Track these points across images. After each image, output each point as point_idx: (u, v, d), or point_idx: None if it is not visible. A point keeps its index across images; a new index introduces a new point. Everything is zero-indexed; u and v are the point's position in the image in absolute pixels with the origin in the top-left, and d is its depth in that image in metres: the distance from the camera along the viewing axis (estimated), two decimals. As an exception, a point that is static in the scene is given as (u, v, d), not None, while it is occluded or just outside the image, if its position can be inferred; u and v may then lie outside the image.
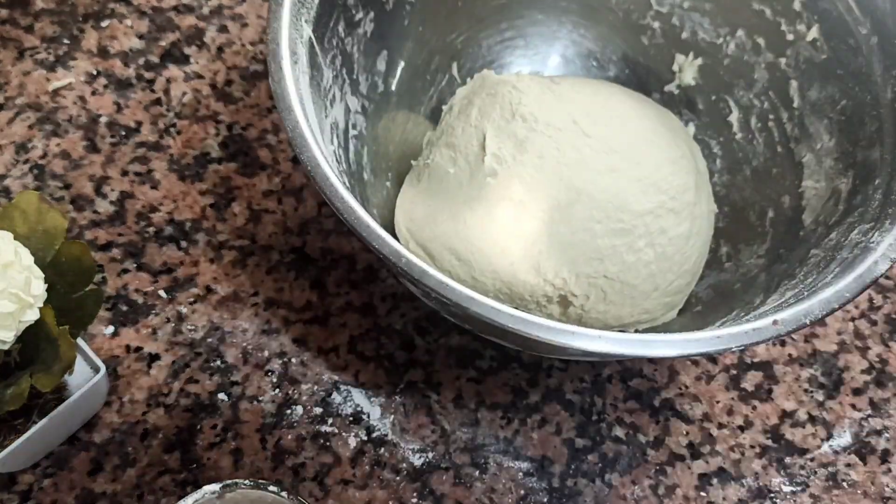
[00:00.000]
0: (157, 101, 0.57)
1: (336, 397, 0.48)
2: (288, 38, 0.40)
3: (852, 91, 0.45)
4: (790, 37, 0.49)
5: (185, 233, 0.52)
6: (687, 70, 0.54)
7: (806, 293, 0.38)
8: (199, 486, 0.36)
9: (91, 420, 0.46)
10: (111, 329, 0.48)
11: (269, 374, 0.48)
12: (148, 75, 0.58)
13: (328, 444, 0.46)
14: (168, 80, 0.58)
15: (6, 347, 0.37)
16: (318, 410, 0.47)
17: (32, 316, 0.37)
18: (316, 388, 0.48)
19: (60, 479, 0.44)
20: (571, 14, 0.56)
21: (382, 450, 0.47)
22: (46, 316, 0.37)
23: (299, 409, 0.47)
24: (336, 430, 0.47)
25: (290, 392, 0.48)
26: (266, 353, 0.49)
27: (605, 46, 0.57)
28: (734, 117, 0.53)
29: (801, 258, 0.44)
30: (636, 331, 0.48)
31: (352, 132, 0.47)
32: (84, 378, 0.43)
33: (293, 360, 0.49)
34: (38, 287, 0.37)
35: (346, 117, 0.46)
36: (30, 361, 0.39)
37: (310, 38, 0.41)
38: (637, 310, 0.46)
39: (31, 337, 0.38)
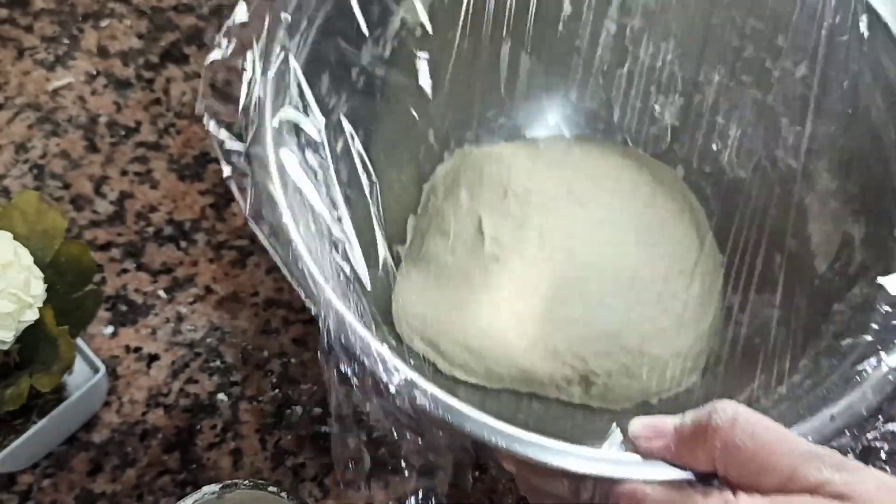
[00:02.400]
0: (157, 101, 0.57)
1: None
2: (276, 158, 0.37)
3: (850, 130, 0.42)
4: (776, 73, 0.46)
5: (184, 233, 0.52)
6: (668, 110, 0.52)
7: (848, 366, 0.34)
8: (199, 487, 0.36)
9: (90, 420, 0.45)
10: (111, 329, 0.48)
11: (269, 374, 0.48)
12: (147, 75, 0.57)
13: (328, 444, 0.46)
14: (167, 80, 0.57)
15: (6, 347, 0.37)
16: (317, 410, 0.47)
17: (32, 316, 0.37)
18: (315, 388, 0.48)
19: (60, 480, 0.44)
20: (553, 76, 0.52)
21: (382, 450, 0.47)
22: (46, 316, 0.37)
23: (299, 409, 0.47)
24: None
25: (289, 392, 0.48)
26: (266, 353, 0.49)
27: (583, 95, 0.53)
28: (724, 157, 0.50)
29: (822, 311, 0.40)
30: (660, 400, 0.45)
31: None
32: (83, 378, 0.43)
33: (293, 360, 0.49)
34: (38, 287, 0.37)
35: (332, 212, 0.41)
36: (29, 361, 0.39)
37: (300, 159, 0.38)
38: (661, 378, 0.44)
39: (31, 337, 0.38)
